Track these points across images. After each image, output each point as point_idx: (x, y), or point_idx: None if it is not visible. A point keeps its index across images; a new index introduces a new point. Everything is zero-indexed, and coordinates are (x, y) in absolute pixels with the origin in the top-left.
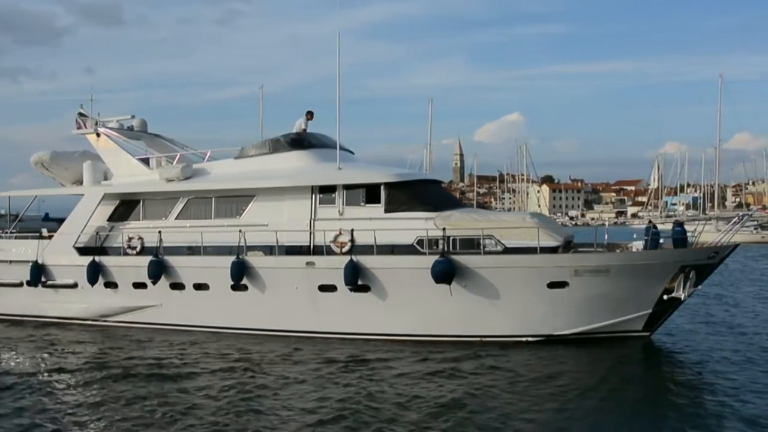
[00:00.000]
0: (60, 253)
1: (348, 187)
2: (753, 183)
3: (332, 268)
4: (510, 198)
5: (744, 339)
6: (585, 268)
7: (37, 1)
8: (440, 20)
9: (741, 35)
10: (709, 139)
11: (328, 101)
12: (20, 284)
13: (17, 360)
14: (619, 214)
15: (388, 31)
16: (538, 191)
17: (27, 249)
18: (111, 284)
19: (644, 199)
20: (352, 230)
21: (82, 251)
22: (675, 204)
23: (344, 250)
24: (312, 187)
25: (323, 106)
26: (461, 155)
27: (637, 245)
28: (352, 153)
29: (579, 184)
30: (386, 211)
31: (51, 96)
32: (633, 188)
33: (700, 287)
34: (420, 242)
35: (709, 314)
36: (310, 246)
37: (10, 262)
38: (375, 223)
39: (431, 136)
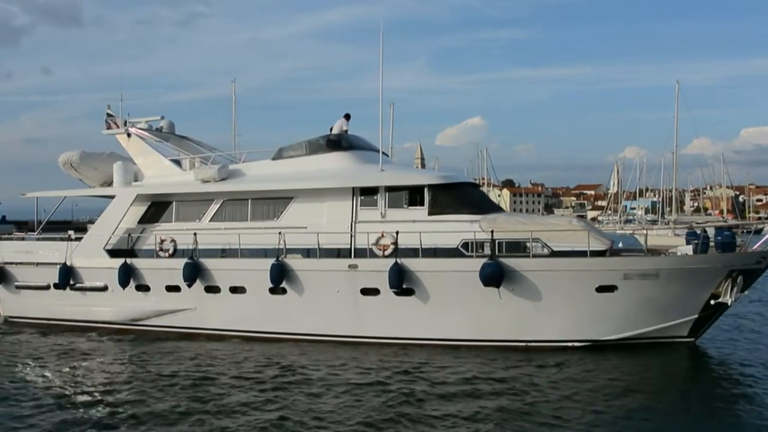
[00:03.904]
0: (90, 255)
1: (390, 189)
2: (711, 188)
3: (376, 271)
4: None
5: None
6: (635, 272)
7: None
8: (403, 25)
9: (698, 41)
10: (667, 143)
11: (290, 103)
12: (47, 287)
13: (43, 367)
14: (579, 218)
15: (350, 35)
16: (499, 195)
17: (55, 251)
18: (143, 287)
19: (604, 203)
20: (397, 233)
21: (113, 253)
22: (634, 208)
23: (387, 252)
24: (353, 188)
25: (287, 108)
26: (422, 159)
27: (683, 249)
28: (387, 156)
29: (539, 188)
30: (430, 213)
31: (7, 96)
32: (593, 192)
33: (746, 292)
34: (465, 245)
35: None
36: (350, 249)
37: (37, 264)
38: (418, 226)
39: (393, 139)
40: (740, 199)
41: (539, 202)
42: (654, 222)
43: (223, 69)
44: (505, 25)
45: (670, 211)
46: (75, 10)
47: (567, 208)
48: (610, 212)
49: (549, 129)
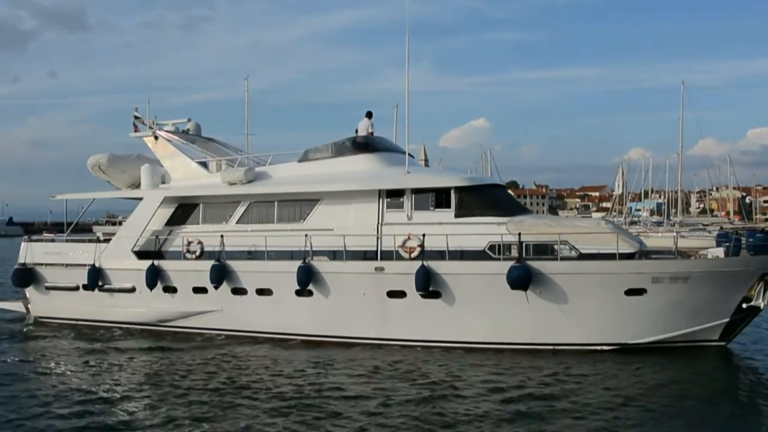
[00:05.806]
0: (118, 256)
1: (417, 191)
2: (717, 189)
3: (402, 273)
4: None
5: None
6: (665, 275)
7: (2, 5)
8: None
9: (703, 41)
10: (672, 145)
11: (296, 105)
12: (76, 288)
13: (70, 367)
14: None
15: (354, 37)
16: None
17: (84, 252)
18: (170, 289)
19: (608, 204)
20: (424, 235)
21: (141, 255)
22: (639, 210)
23: (413, 255)
24: (379, 191)
25: (292, 110)
26: (426, 161)
27: (714, 252)
28: (413, 157)
29: (543, 189)
30: (457, 215)
31: (13, 100)
32: (597, 194)
33: None
34: (492, 248)
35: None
36: (377, 251)
37: (66, 265)
38: (445, 228)
39: (397, 140)
40: (747, 200)
41: (543, 204)
42: (659, 224)
43: (228, 71)
44: (509, 26)
45: (676, 212)
46: (81, 13)
47: (571, 209)
48: (614, 213)
49: (553, 130)
